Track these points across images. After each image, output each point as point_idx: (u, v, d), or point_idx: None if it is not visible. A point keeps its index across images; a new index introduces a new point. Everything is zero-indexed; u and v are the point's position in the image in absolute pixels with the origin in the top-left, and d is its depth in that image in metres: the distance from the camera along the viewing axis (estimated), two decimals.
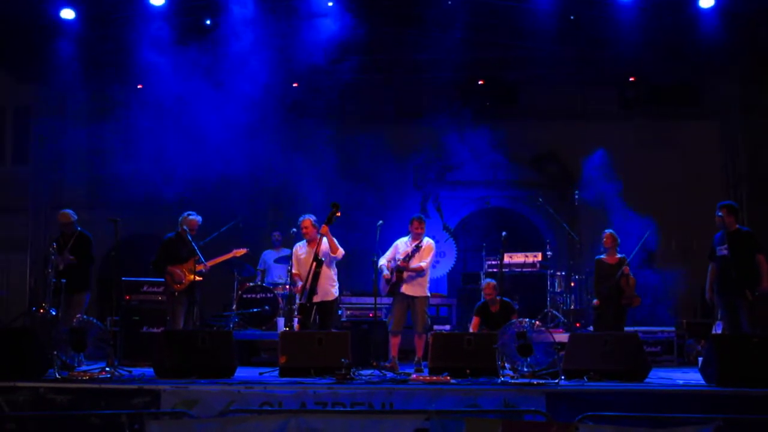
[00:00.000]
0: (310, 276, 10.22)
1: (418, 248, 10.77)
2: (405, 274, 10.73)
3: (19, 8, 13.24)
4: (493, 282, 11.43)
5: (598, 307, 11.36)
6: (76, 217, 11.00)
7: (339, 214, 10.33)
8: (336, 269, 10.85)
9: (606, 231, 11.57)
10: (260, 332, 12.76)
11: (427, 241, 10.96)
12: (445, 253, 16.68)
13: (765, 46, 13.88)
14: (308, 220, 10.69)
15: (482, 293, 11.45)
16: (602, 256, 11.53)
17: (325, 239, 10.43)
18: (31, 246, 15.43)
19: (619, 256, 11.37)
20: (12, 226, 15.80)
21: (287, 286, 11.83)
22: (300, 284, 10.52)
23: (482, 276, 13.61)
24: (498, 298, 11.36)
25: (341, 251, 10.59)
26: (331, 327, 10.54)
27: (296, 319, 10.54)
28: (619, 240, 11.52)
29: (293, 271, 10.88)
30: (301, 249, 10.92)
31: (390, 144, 15.67)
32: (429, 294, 11.05)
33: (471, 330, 11.49)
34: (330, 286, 10.67)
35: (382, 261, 10.92)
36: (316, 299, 10.38)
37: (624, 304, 11.07)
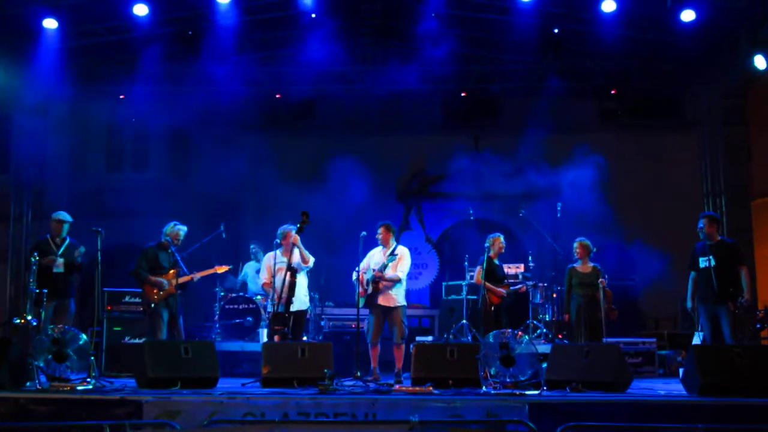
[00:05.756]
0: (286, 285, 10.19)
1: (393, 257, 10.76)
2: (381, 284, 10.72)
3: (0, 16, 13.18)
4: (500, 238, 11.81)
5: (568, 322, 11.42)
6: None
7: (309, 222, 10.29)
8: (307, 279, 10.91)
9: (577, 240, 11.58)
10: (242, 343, 12.74)
11: (402, 250, 10.95)
12: (428, 264, 16.69)
13: (744, 57, 14.00)
14: (289, 230, 10.67)
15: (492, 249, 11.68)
16: (575, 265, 11.54)
17: (296, 249, 10.43)
18: (11, 255, 15.23)
19: (592, 265, 11.39)
20: None
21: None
22: (272, 293, 10.47)
23: (464, 287, 13.65)
24: None
25: (311, 259, 10.62)
26: (302, 337, 10.58)
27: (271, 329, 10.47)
28: (593, 248, 11.53)
29: (265, 281, 10.87)
30: (275, 259, 10.87)
31: (372, 156, 15.66)
32: (405, 303, 11.01)
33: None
34: (303, 296, 10.74)
35: (356, 274, 10.85)
36: (292, 308, 10.33)
37: (600, 318, 11.09)
